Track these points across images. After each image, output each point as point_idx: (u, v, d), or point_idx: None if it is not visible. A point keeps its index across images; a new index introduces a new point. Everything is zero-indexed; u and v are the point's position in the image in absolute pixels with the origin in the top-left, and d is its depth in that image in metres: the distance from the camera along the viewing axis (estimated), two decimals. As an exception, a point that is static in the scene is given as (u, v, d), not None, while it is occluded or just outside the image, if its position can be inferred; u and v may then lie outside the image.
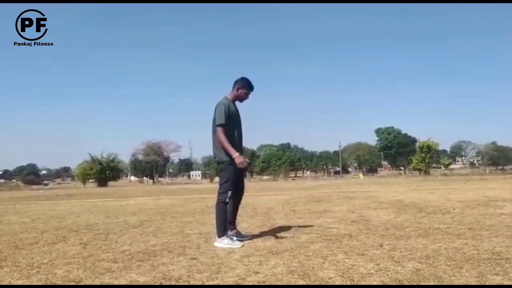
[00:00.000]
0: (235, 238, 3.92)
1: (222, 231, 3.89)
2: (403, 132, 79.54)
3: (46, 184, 72.08)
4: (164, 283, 2.56)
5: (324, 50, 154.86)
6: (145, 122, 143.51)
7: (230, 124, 3.88)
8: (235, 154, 3.72)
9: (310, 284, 2.43)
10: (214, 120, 3.93)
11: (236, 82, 4.04)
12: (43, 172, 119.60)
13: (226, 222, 3.93)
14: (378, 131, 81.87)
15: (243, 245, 3.76)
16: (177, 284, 2.56)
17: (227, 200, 3.90)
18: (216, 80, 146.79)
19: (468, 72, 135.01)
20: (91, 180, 56.37)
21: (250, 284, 2.50)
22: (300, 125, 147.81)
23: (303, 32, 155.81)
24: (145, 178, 77.06)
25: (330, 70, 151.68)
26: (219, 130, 3.80)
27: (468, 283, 2.36)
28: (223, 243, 3.80)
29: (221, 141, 3.77)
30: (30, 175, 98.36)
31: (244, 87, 4.02)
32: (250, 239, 4.05)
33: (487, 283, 2.35)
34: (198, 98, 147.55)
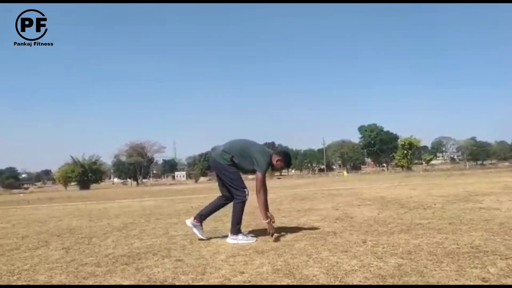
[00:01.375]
0: (247, 233, 4.14)
1: (237, 229, 4.02)
2: (385, 129, 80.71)
3: (26, 188, 70.48)
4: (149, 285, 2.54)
5: (308, 48, 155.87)
6: (128, 123, 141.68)
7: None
8: (266, 220, 3.97)
9: (296, 283, 2.46)
10: (249, 151, 4.04)
11: (279, 153, 4.20)
12: (23, 175, 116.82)
13: (241, 221, 4.10)
14: (361, 129, 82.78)
15: (257, 240, 3.94)
16: (162, 285, 2.55)
17: (246, 198, 4.07)
18: (200, 80, 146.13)
19: (448, 69, 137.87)
20: (72, 183, 55.48)
21: (236, 284, 2.51)
22: (285, 123, 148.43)
23: (287, 30, 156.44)
24: (128, 179, 76.09)
25: (313, 68, 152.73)
26: (261, 178, 3.97)
27: (448, 277, 2.42)
28: (238, 239, 3.95)
29: (262, 200, 3.98)
30: (10, 179, 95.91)
31: (284, 162, 4.16)
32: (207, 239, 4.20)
33: (465, 276, 2.42)
34: (182, 98, 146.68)
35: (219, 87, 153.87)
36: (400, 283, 2.35)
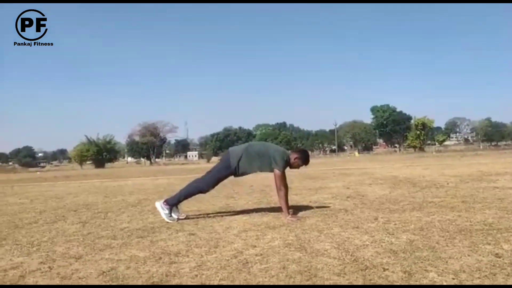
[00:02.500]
0: (176, 214, 4.10)
1: (174, 202, 4.08)
2: (398, 109, 79.62)
3: (43, 167, 71.97)
4: (163, 258, 2.60)
5: (321, 29, 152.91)
6: (141, 104, 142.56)
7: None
8: (288, 216, 3.86)
9: (307, 257, 2.48)
10: (267, 151, 4.04)
11: (298, 151, 4.19)
12: (40, 154, 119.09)
13: (182, 200, 4.15)
14: (374, 109, 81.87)
15: (175, 222, 3.96)
16: (176, 257, 2.61)
17: (204, 191, 4.14)
18: (213, 60, 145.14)
19: (464, 49, 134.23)
20: (88, 162, 56.46)
21: (248, 256, 2.55)
22: (297, 104, 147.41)
23: (301, 10, 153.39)
24: (142, 159, 77.06)
25: (326, 49, 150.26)
26: (280, 175, 3.95)
27: (461, 253, 2.42)
28: (164, 210, 4.03)
29: (283, 196, 3.94)
30: (27, 158, 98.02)
31: (302, 160, 4.13)
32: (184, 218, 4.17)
33: (478, 252, 2.42)
34: (194, 78, 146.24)
35: (231, 68, 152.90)
36: (412, 258, 2.35)
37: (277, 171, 3.96)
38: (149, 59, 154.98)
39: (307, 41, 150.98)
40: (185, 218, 4.12)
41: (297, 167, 4.17)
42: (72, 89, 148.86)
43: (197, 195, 4.28)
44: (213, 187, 4.17)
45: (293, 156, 4.10)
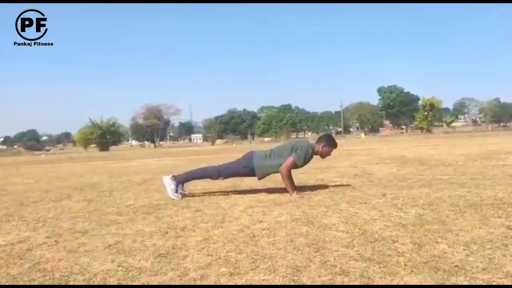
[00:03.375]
0: (180, 191, 4.07)
1: (182, 180, 4.08)
2: (405, 90, 78.70)
3: (48, 150, 72.47)
4: (169, 232, 2.58)
5: (326, 8, 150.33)
6: (144, 86, 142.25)
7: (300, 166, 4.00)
8: (293, 193, 3.81)
9: (315, 231, 2.45)
10: (291, 147, 3.98)
11: (322, 138, 4.12)
12: (44, 138, 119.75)
13: (190, 180, 4.16)
14: (381, 90, 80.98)
15: (178, 199, 3.93)
16: (182, 231, 2.59)
17: (214, 178, 4.12)
18: (217, 42, 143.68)
19: (471, 28, 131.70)
20: (92, 145, 56.74)
21: (254, 230, 2.52)
22: (301, 85, 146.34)
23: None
24: (146, 142, 77.32)
25: (332, 29, 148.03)
26: (289, 164, 3.86)
27: (472, 225, 2.37)
28: (170, 185, 4.01)
29: (287, 175, 3.86)
30: (32, 141, 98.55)
31: (330, 145, 4.05)
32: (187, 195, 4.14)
33: (489, 225, 2.37)
34: (198, 61, 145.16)
35: (235, 49, 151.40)
36: (422, 230, 2.31)
37: (291, 158, 3.87)
38: (153, 41, 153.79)
39: (313, 22, 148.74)
40: (190, 196, 4.10)
41: (328, 153, 4.10)
42: (76, 72, 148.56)
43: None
44: (224, 178, 4.16)
45: (319, 146, 4.02)
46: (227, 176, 4.14)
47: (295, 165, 3.91)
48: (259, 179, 4.09)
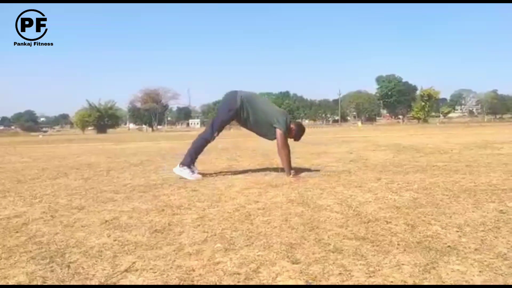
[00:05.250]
0: (196, 171, 4.06)
1: (188, 161, 4.02)
2: (404, 80, 78.52)
3: (45, 131, 72.22)
4: (165, 210, 2.60)
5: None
6: (143, 70, 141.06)
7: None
8: (290, 175, 3.91)
9: (310, 211, 2.47)
10: (270, 109, 4.05)
11: (296, 123, 4.20)
12: (42, 119, 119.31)
13: (194, 156, 4.08)
14: (379, 79, 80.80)
15: (200, 179, 3.91)
16: (179, 209, 2.61)
17: (209, 139, 4.06)
18: (215, 27, 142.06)
19: (471, 20, 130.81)
20: (90, 128, 56.56)
21: (250, 210, 2.54)
22: (300, 73, 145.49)
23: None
24: (144, 126, 77.11)
25: (331, 17, 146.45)
26: (283, 139, 3.96)
27: (465, 209, 2.40)
28: (183, 171, 3.96)
29: (286, 153, 3.98)
30: (29, 122, 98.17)
31: (296, 132, 4.14)
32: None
33: (482, 209, 2.40)
34: (197, 46, 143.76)
35: (234, 35, 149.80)
36: (415, 213, 2.34)
37: (279, 131, 3.91)
38: (152, 25, 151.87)
39: (312, 10, 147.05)
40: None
41: (290, 136, 4.11)
42: (74, 53, 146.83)
43: (204, 150, 4.21)
44: (218, 132, 4.09)
45: (291, 126, 4.07)
46: (218, 128, 4.07)
47: (285, 133, 3.96)
48: (243, 124, 4.10)
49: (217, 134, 4.11)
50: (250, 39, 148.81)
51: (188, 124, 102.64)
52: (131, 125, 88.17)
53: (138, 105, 74.85)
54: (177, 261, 1.69)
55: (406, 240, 1.86)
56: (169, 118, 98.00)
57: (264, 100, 4.24)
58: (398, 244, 1.80)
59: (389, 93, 78.13)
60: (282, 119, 3.95)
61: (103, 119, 55.37)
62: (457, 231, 1.97)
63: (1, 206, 2.89)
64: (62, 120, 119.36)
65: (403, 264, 1.57)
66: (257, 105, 4.01)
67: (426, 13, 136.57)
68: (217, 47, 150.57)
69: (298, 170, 4.32)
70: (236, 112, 3.98)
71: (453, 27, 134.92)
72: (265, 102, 4.17)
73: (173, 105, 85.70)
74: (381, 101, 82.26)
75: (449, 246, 1.77)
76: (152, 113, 72.08)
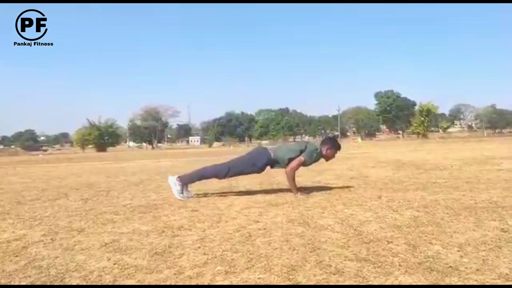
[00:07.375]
0: (185, 193, 4.02)
1: (187, 181, 4.05)
2: (402, 96, 79.02)
3: (45, 150, 72.21)
4: (165, 231, 2.59)
5: (324, 11, 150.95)
6: (143, 88, 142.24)
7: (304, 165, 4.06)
8: (298, 193, 3.92)
9: (310, 231, 2.46)
10: (299, 148, 4.02)
11: (326, 140, 4.15)
12: (42, 138, 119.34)
13: (195, 181, 4.12)
14: (377, 95, 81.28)
15: (185, 199, 3.92)
16: (179, 231, 2.60)
17: (220, 177, 4.08)
18: (215, 45, 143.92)
19: (469, 35, 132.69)
20: (90, 146, 56.52)
21: (251, 230, 2.54)
22: (300, 89, 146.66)
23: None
24: (144, 143, 77.17)
25: (330, 33, 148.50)
26: (295, 165, 3.94)
27: (466, 228, 2.40)
28: (176, 186, 3.96)
29: (291, 175, 3.94)
30: (29, 141, 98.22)
31: (335, 147, 4.10)
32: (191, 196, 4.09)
33: (483, 228, 2.39)
34: (197, 63, 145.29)
35: (233, 52, 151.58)
36: (416, 232, 2.33)
37: (301, 158, 3.93)
38: (152, 43, 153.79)
39: (311, 25, 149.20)
40: (194, 196, 4.10)
41: (332, 156, 4.13)
42: (73, 72, 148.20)
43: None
44: (230, 177, 4.13)
45: (324, 148, 4.05)
46: (234, 174, 4.10)
47: (301, 165, 3.97)
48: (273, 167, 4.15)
49: (228, 178, 4.17)
50: (249, 57, 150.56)
51: (188, 142, 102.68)
52: (131, 143, 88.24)
53: (138, 122, 75.10)
54: (178, 285, 1.67)
55: (407, 261, 1.85)
56: (169, 136, 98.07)
57: (292, 144, 4.40)
58: (400, 265, 1.79)
59: (388, 108, 78.49)
60: (309, 153, 3.96)
61: (103, 138, 55.41)
62: (458, 251, 1.97)
63: (0, 229, 2.88)
64: (62, 138, 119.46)
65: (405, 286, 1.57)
66: (282, 147, 4.18)
67: (423, 29, 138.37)
68: (217, 64, 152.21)
69: (300, 188, 4.31)
70: (259, 168, 4.04)
71: (451, 42, 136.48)
72: (292, 144, 4.33)
73: (173, 123, 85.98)
74: (380, 117, 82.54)
75: (450, 266, 1.77)
76: (152, 130, 72.25)
